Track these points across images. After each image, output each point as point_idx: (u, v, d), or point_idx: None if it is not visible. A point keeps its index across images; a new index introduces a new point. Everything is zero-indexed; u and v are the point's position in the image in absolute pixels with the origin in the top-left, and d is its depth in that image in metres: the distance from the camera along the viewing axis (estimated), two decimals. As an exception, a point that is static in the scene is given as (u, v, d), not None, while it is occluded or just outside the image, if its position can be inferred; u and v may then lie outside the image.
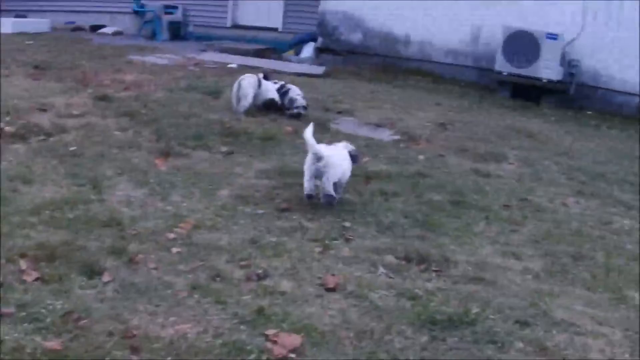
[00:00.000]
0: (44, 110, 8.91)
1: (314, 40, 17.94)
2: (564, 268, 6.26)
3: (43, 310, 4.44)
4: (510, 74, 14.92)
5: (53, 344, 4.12)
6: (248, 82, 10.07)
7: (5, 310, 4.39)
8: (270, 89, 10.45)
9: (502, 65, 14.96)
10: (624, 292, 5.88)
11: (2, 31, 15.67)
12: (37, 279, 4.85)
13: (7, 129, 7.94)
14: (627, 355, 4.84)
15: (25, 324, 4.28)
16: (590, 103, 14.76)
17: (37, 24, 17.59)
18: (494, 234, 6.84)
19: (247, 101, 9.94)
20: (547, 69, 14.49)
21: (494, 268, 6.06)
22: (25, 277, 4.84)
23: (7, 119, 8.30)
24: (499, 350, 4.74)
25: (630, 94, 14.48)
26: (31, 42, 14.72)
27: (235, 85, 9.95)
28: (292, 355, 4.37)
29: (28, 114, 8.67)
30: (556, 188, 8.61)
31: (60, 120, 8.59)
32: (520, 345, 4.83)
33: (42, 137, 7.92)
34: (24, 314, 4.38)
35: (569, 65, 14.77)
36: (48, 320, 4.35)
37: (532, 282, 5.90)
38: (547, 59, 14.42)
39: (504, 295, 5.54)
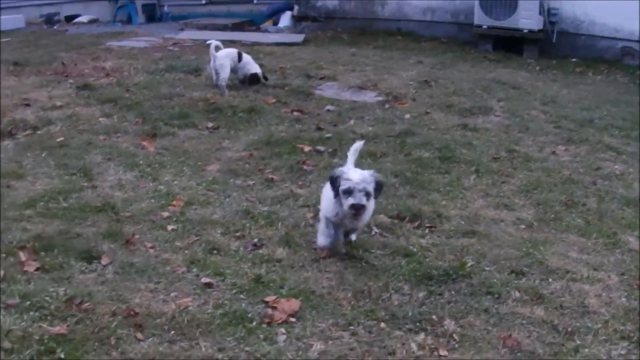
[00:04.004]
0: (28, 105, 8.90)
1: (290, 9, 17.86)
2: (557, 216, 6.33)
3: (47, 298, 4.49)
4: (490, 27, 14.86)
5: (59, 328, 4.18)
6: (224, 53, 10.01)
7: (10, 301, 4.44)
8: (252, 63, 10.40)
9: (481, 19, 14.89)
10: (618, 236, 5.97)
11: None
12: (37, 269, 4.89)
13: (-7, 127, 7.95)
14: (623, 299, 4.92)
15: (31, 313, 4.33)
16: (574, 50, 14.72)
17: (11, 20, 17.43)
18: (485, 187, 6.90)
19: (225, 73, 9.88)
20: (527, 19, 14.42)
21: (486, 220, 6.13)
22: (26, 268, 4.88)
23: (-8, 117, 8.30)
24: (496, 300, 4.82)
25: (613, 38, 14.44)
26: (8, 39, 14.65)
27: (211, 58, 9.90)
28: (292, 320, 4.45)
29: (12, 110, 8.66)
30: (545, 137, 8.66)
31: (45, 114, 8.57)
32: (517, 294, 4.91)
33: (29, 132, 7.91)
34: (28, 303, 4.43)
35: (549, 13, 14.70)
36: (52, 306, 4.40)
37: (526, 232, 5.98)
38: (526, 8, 14.32)
39: (498, 246, 5.62)
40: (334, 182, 5.03)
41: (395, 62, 12.82)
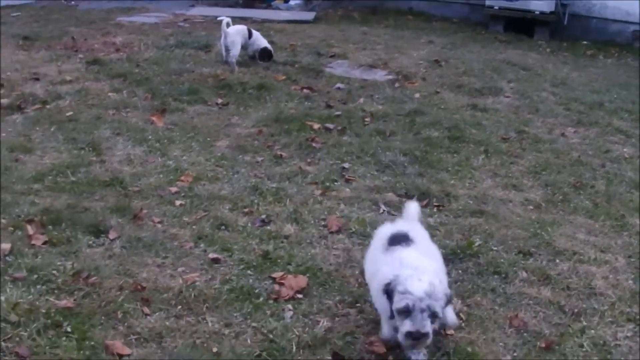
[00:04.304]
0: (38, 80, 8.90)
1: (302, -14, 17.78)
2: (565, 197, 6.32)
3: (54, 272, 4.52)
4: (501, 8, 14.79)
5: (66, 302, 4.21)
6: (235, 30, 9.98)
7: (17, 274, 4.45)
8: (261, 39, 10.37)
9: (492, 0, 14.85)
10: (625, 219, 5.95)
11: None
12: (45, 243, 4.92)
13: (3, 101, 7.94)
14: (630, 282, 4.91)
15: (38, 286, 4.36)
16: (585, 33, 14.64)
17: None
18: (494, 167, 6.88)
19: (236, 50, 9.85)
20: (539, 0, 14.36)
21: (495, 200, 6.12)
22: (33, 242, 4.90)
23: (2, 91, 8.29)
24: (503, 280, 4.82)
25: (624, 22, 14.35)
26: (18, 13, 14.62)
27: (222, 35, 9.87)
28: (299, 296, 4.47)
29: (22, 84, 8.66)
30: (554, 119, 8.63)
31: (54, 88, 8.58)
32: (524, 275, 4.91)
33: (38, 106, 7.92)
34: (35, 276, 4.46)
35: (561, -5, 14.67)
36: (59, 280, 4.43)
37: (534, 213, 5.97)
38: (538, -10, 14.30)
39: (506, 226, 5.61)
40: (388, 294, 3.63)
41: (406, 42, 12.77)
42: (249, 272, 4.73)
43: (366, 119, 7.98)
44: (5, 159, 6.37)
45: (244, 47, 10.14)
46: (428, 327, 3.49)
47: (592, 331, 4.30)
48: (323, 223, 5.48)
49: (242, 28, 10.18)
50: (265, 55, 10.24)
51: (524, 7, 14.46)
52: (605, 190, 6.52)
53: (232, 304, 4.34)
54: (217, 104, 8.33)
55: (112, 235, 5.07)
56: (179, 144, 7.00)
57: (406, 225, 4.25)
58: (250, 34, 10.16)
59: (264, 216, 5.55)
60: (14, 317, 4.01)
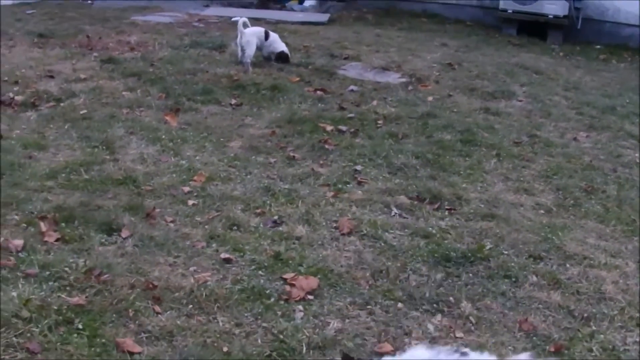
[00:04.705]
0: (52, 77, 8.94)
1: (316, -12, 17.80)
2: (576, 202, 6.32)
3: (66, 269, 4.54)
4: (515, 11, 14.77)
5: (77, 299, 4.23)
6: (251, 31, 10.00)
7: (29, 271, 4.48)
8: (279, 41, 10.38)
9: (506, 3, 14.78)
10: (636, 224, 5.96)
11: (3, 3, 15.54)
12: (57, 240, 4.94)
13: (18, 98, 7.98)
14: (640, 287, 4.92)
15: (50, 283, 4.39)
16: (598, 37, 14.60)
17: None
18: (505, 171, 6.89)
19: (251, 50, 9.85)
20: (552, 4, 14.30)
21: (506, 204, 6.13)
22: (46, 239, 4.93)
23: (16, 88, 8.33)
24: (513, 284, 4.83)
25: (637, 26, 14.30)
26: (33, 11, 14.67)
27: (238, 35, 9.89)
28: (310, 297, 4.49)
29: (36, 82, 8.69)
30: (566, 123, 8.63)
31: (68, 86, 8.61)
32: (534, 279, 4.92)
33: (52, 103, 7.95)
34: (47, 273, 4.48)
35: (574, -1, 14.64)
36: (71, 277, 4.45)
37: (545, 217, 5.97)
38: (551, -7, 14.29)
39: (517, 230, 5.62)
40: None
41: (419, 44, 12.76)
42: (260, 272, 4.74)
43: (379, 122, 7.99)
44: (19, 155, 6.40)
45: (259, 48, 10.16)
46: None
47: (602, 336, 4.31)
48: (335, 225, 5.49)
49: (258, 30, 10.20)
50: (282, 58, 10.26)
51: (538, 11, 14.43)
52: (617, 195, 6.52)
53: (243, 304, 4.36)
54: (230, 104, 8.35)
55: (124, 233, 5.09)
56: (192, 143, 7.02)
57: None
58: (267, 36, 10.17)
59: (276, 217, 5.57)
60: (25, 313, 4.03)
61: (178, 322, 4.14)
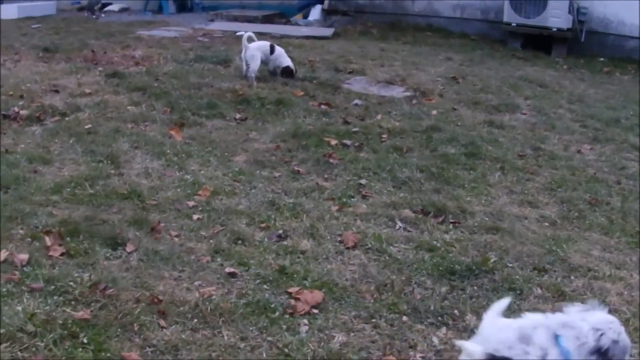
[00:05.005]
0: (57, 92, 8.96)
1: (321, 2, 17.84)
2: (581, 214, 6.32)
3: (71, 283, 4.54)
4: (519, 25, 14.80)
5: (82, 313, 4.23)
6: (256, 46, 10.03)
7: (34, 285, 4.49)
8: (284, 56, 10.40)
9: (510, 16, 14.84)
10: (640, 235, 5.95)
11: (8, 17, 15.62)
12: (62, 254, 4.94)
13: (23, 112, 7.99)
14: (645, 298, 4.91)
15: (55, 297, 4.39)
16: (602, 50, 14.63)
17: (43, 7, 17.49)
18: (510, 184, 6.90)
19: (255, 64, 9.90)
20: (556, 17, 14.35)
21: (510, 217, 6.13)
22: (51, 253, 4.93)
23: (22, 102, 8.35)
24: (518, 297, 4.82)
25: (641, 39, 14.39)
26: (38, 25, 14.73)
27: (243, 49, 9.92)
28: (315, 311, 4.48)
29: (42, 96, 8.72)
30: (570, 136, 8.64)
31: (73, 100, 8.63)
32: (539, 291, 4.92)
33: (57, 118, 7.97)
34: (52, 287, 4.48)
35: (578, 12, 14.62)
36: (76, 291, 4.45)
37: (549, 229, 5.97)
38: (555, 7, 14.26)
39: (521, 243, 5.62)
40: None
41: (424, 58, 12.80)
42: (265, 286, 4.74)
43: (383, 136, 8.01)
44: (24, 170, 6.41)
45: (265, 63, 10.18)
46: None
47: (607, 348, 4.30)
48: (339, 239, 5.49)
49: (264, 44, 10.22)
50: (287, 73, 10.27)
51: (542, 24, 14.48)
52: (621, 206, 6.52)
53: (248, 318, 4.36)
54: (235, 118, 8.37)
55: (129, 247, 5.10)
56: (196, 158, 7.03)
57: None
58: (272, 50, 10.19)
59: (280, 231, 5.57)
60: (30, 327, 4.03)
61: (183, 336, 4.13)
